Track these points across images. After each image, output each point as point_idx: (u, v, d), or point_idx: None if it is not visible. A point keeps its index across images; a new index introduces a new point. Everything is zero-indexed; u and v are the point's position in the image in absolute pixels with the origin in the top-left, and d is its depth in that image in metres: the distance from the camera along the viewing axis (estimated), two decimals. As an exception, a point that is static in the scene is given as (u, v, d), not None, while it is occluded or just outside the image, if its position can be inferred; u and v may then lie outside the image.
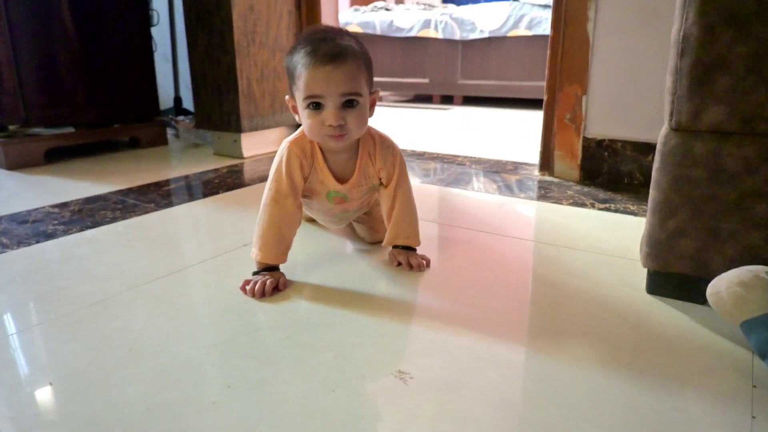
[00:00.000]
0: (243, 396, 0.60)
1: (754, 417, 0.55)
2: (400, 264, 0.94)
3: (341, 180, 0.91)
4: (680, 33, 0.71)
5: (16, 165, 1.73)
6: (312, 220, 1.12)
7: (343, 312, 0.79)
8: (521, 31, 3.27)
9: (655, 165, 0.78)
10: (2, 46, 1.66)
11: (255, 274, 0.87)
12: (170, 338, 0.72)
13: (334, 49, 0.78)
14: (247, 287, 0.84)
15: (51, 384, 0.62)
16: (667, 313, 0.78)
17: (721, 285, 0.65)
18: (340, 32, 0.83)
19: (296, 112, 0.86)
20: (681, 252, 0.78)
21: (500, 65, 3.41)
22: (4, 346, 0.70)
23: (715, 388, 0.61)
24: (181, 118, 2.27)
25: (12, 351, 0.69)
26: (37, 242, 1.08)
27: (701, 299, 0.74)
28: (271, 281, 0.84)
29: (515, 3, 3.40)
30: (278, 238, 0.87)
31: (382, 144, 0.92)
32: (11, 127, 1.77)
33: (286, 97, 0.88)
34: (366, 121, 0.85)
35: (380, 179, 0.94)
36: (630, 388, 0.61)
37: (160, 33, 2.18)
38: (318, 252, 1.04)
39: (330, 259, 1.01)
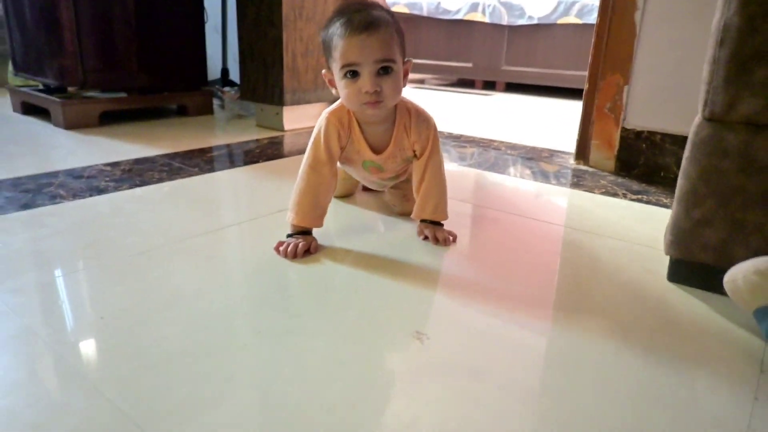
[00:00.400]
0: (270, 342, 0.65)
1: (756, 399, 0.57)
2: (426, 238, 0.97)
3: (377, 151, 0.95)
4: (721, 23, 0.71)
5: (73, 125, 1.83)
6: (345, 196, 1.17)
7: (369, 276, 0.83)
8: (571, 18, 3.21)
9: (686, 155, 0.78)
10: (65, 11, 1.75)
11: (289, 236, 0.92)
12: (206, 288, 0.78)
13: (368, 18, 0.82)
14: (281, 248, 0.89)
15: (102, 318, 0.69)
16: (686, 300, 0.79)
17: (738, 273, 0.66)
18: (372, 4, 0.87)
19: (333, 85, 0.90)
20: (705, 242, 0.78)
21: (547, 53, 3.35)
22: (59, 284, 0.78)
23: (723, 370, 0.62)
24: (227, 89, 2.34)
25: (67, 288, 0.76)
26: (90, 196, 1.16)
27: (721, 289, 0.75)
28: (304, 244, 0.89)
29: (567, -11, 3.33)
30: (314, 204, 0.91)
31: (418, 117, 0.94)
32: (70, 89, 1.87)
33: (323, 71, 0.92)
34: (400, 89, 0.88)
35: (414, 152, 0.96)
36: (639, 364, 0.63)
37: (211, 4, 2.25)
38: (350, 222, 1.08)
39: (361, 229, 1.05)
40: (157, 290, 0.77)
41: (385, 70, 0.84)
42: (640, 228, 1.08)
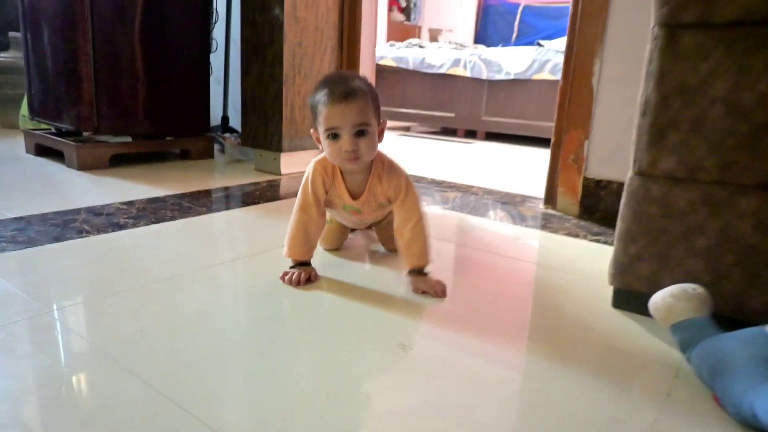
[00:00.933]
0: (283, 350, 0.79)
1: (668, 395, 0.73)
2: (425, 292, 1.02)
3: (354, 196, 1.09)
4: (643, 97, 0.91)
5: (86, 166, 1.98)
6: (335, 249, 1.27)
7: (362, 300, 0.98)
8: (545, 75, 3.49)
9: (622, 201, 0.96)
10: (85, 65, 1.93)
11: (291, 267, 1.07)
12: (226, 308, 0.92)
13: (346, 89, 0.96)
14: (286, 277, 1.04)
15: (141, 330, 0.83)
16: (625, 322, 0.95)
17: (658, 297, 0.83)
18: (351, 76, 1.03)
19: (319, 142, 1.04)
20: (639, 274, 0.95)
21: (522, 105, 3.61)
22: (100, 305, 0.91)
23: (645, 374, 0.78)
24: (227, 135, 2.52)
25: (109, 307, 0.90)
26: (113, 231, 1.31)
27: (652, 312, 0.92)
28: (305, 274, 1.04)
29: (541, 49, 3.63)
30: (304, 239, 1.06)
31: (390, 168, 1.08)
32: (85, 134, 2.03)
33: (311, 130, 1.05)
34: (375, 147, 1.02)
35: (388, 198, 1.08)
36: (573, 369, 0.78)
37: (215, 59, 2.45)
38: (345, 256, 1.24)
39: (356, 262, 1.20)
40: (184, 310, 0.91)
41: (361, 133, 0.97)
42: (595, 264, 1.25)
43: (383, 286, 1.07)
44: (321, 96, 0.98)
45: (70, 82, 1.96)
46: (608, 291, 1.04)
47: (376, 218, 1.20)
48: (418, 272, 1.05)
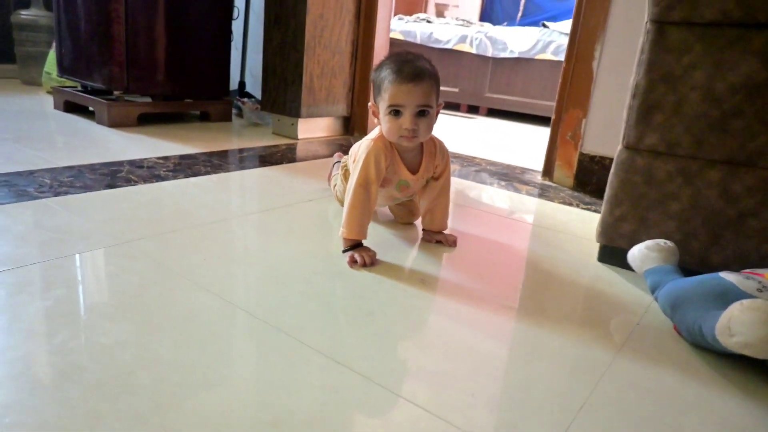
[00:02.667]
0: (325, 280, 0.96)
1: (638, 324, 0.90)
2: (438, 241, 1.19)
3: (412, 171, 1.14)
4: (634, 82, 1.06)
5: (116, 124, 2.12)
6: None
7: (398, 263, 1.15)
8: (548, 55, 3.61)
9: (611, 171, 1.12)
10: (119, 28, 2.05)
11: (346, 251, 1.05)
12: (271, 246, 1.09)
13: (415, 70, 1.00)
14: (355, 262, 1.02)
15: (204, 260, 0.99)
16: (607, 273, 1.13)
17: (635, 249, 1.00)
18: (418, 57, 1.05)
19: (376, 116, 1.08)
20: (621, 232, 1.12)
21: (525, 84, 3.74)
22: (163, 240, 1.07)
23: (621, 311, 0.96)
24: (245, 99, 2.65)
25: (169, 242, 1.06)
26: (157, 181, 1.46)
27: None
28: (371, 253, 1.04)
29: (545, 30, 3.74)
30: (365, 218, 1.06)
31: (441, 147, 1.17)
32: (116, 93, 2.15)
33: (369, 103, 1.11)
34: (432, 128, 1.07)
35: (434, 173, 1.18)
36: (562, 308, 0.96)
37: (235, 26, 2.56)
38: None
39: (382, 240, 1.37)
40: (235, 246, 1.07)
41: (422, 113, 1.02)
42: (585, 227, 1.42)
43: (403, 252, 1.23)
44: (388, 73, 1.01)
45: (103, 43, 2.07)
46: (595, 248, 1.21)
47: (413, 194, 1.24)
48: (437, 231, 1.22)
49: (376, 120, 1.09)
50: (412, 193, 1.23)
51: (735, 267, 0.98)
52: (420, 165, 1.14)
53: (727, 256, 1.03)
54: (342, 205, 1.32)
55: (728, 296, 0.80)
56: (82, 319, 0.76)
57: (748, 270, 0.90)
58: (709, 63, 0.97)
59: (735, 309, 0.72)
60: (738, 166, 0.99)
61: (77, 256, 0.95)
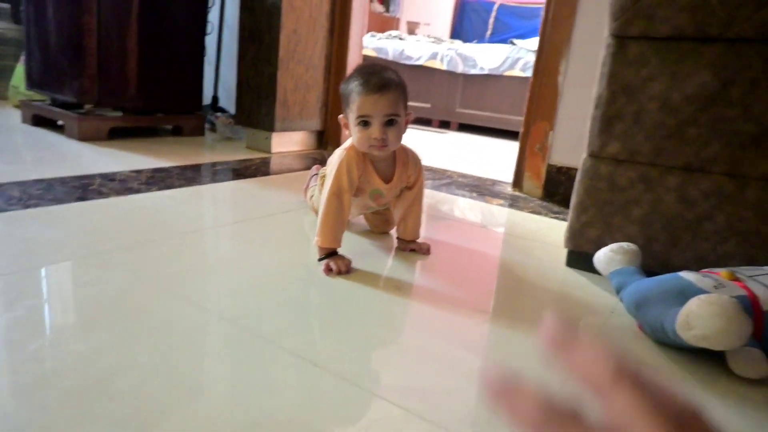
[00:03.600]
0: (302, 287, 0.97)
1: (604, 324, 0.94)
2: (412, 250, 1.21)
3: (385, 180, 1.15)
4: (596, 93, 1.11)
5: (86, 138, 2.09)
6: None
7: (374, 270, 1.17)
8: (516, 71, 3.72)
9: (577, 178, 1.17)
10: (91, 40, 2.04)
11: (322, 260, 1.06)
12: (248, 256, 1.09)
13: (381, 80, 1.03)
14: (330, 270, 1.03)
15: (181, 270, 0.99)
16: (575, 277, 1.17)
17: (601, 252, 1.05)
18: (384, 68, 1.08)
19: (347, 128, 1.10)
20: (588, 237, 1.17)
21: (495, 99, 3.84)
22: (140, 250, 1.07)
23: (588, 312, 0.99)
24: (219, 114, 2.65)
25: (147, 252, 1.06)
26: (130, 194, 1.45)
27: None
28: (346, 261, 1.05)
29: (513, 47, 3.85)
30: (339, 226, 1.07)
31: (414, 157, 1.19)
32: (86, 106, 2.13)
33: (340, 116, 1.12)
34: (401, 136, 1.08)
35: (408, 182, 1.20)
36: (531, 311, 0.99)
37: (208, 41, 2.57)
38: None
39: (357, 248, 1.38)
40: (213, 256, 1.08)
41: (390, 122, 1.04)
42: (553, 234, 1.47)
43: (379, 263, 1.25)
44: (356, 85, 1.04)
45: (75, 56, 2.06)
46: (563, 254, 1.25)
47: (388, 202, 1.24)
48: (411, 240, 1.24)
49: (347, 132, 1.11)
50: (386, 203, 1.25)
51: (694, 268, 1.02)
52: (393, 174, 1.16)
53: (686, 258, 1.08)
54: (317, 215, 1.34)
55: (687, 293, 0.84)
56: (57, 327, 0.75)
57: (706, 270, 0.95)
58: (666, 75, 1.03)
59: (693, 304, 0.76)
60: (694, 172, 1.05)
61: (50, 267, 0.94)
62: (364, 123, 1.04)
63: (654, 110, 1.05)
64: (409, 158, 1.18)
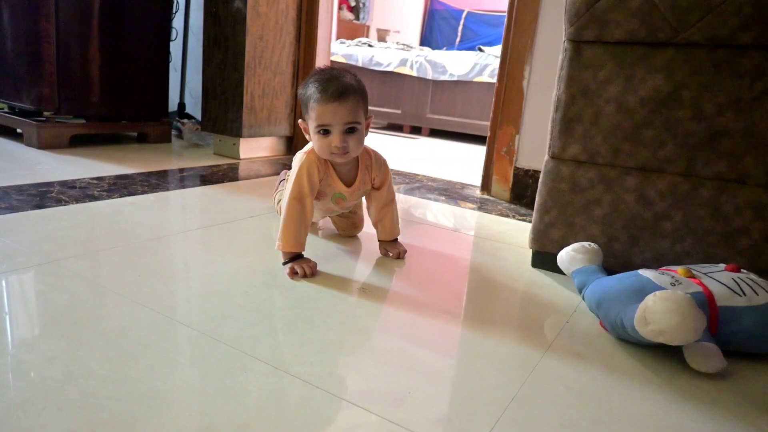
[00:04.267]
0: (264, 292, 0.96)
1: (567, 322, 0.95)
2: (390, 255, 1.21)
3: (347, 184, 1.14)
4: (555, 96, 1.13)
5: (46, 146, 2.04)
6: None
7: (341, 274, 1.16)
8: (485, 78, 3.76)
9: (540, 180, 1.19)
10: (49, 47, 1.99)
11: (287, 263, 1.05)
12: (211, 261, 1.08)
13: (339, 88, 1.00)
14: (294, 273, 1.02)
15: (139, 276, 0.97)
16: (540, 277, 1.18)
17: (563, 252, 1.06)
18: (342, 73, 1.05)
19: (307, 132, 1.09)
20: (551, 238, 1.18)
21: (464, 105, 3.88)
22: (97, 257, 1.04)
23: (552, 311, 1.00)
24: (185, 120, 2.61)
25: (104, 259, 1.03)
26: (90, 201, 1.41)
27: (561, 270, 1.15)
28: (311, 264, 1.05)
29: (482, 54, 3.90)
30: (300, 230, 1.06)
31: (377, 158, 1.18)
32: (46, 114, 2.08)
33: (300, 120, 1.11)
34: (363, 142, 1.08)
35: (373, 185, 1.20)
36: (498, 310, 1.00)
37: (173, 47, 2.53)
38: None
39: (323, 251, 1.37)
40: (173, 262, 1.06)
41: (351, 130, 1.03)
42: (520, 236, 1.48)
43: (348, 262, 1.25)
44: (313, 92, 1.01)
45: (32, 63, 2.00)
46: (528, 255, 1.27)
47: (352, 205, 1.25)
48: (391, 241, 1.24)
49: (307, 136, 1.10)
50: (350, 206, 1.25)
51: (654, 266, 1.05)
52: (356, 178, 1.15)
53: (646, 258, 1.10)
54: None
55: (645, 290, 0.86)
56: (6, 337, 0.73)
57: (664, 267, 0.97)
58: (621, 78, 1.05)
59: (649, 300, 0.78)
60: (651, 172, 1.07)
61: (1, 275, 0.91)
62: (325, 131, 1.03)
63: (611, 112, 1.08)
64: (373, 161, 1.17)
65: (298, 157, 1.10)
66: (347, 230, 1.35)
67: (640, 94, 1.05)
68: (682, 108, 1.02)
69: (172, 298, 0.90)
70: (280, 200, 1.34)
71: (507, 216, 1.72)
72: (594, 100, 1.09)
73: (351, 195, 1.16)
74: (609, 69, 1.06)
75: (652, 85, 1.03)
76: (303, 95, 1.06)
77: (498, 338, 0.87)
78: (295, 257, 1.06)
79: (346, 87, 1.02)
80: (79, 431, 0.56)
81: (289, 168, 1.35)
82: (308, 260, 1.06)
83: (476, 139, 3.90)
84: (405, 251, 1.24)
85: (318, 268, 1.07)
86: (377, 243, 1.27)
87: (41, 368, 0.66)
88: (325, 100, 1.00)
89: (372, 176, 1.18)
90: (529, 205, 1.87)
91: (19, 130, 2.16)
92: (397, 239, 1.26)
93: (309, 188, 1.06)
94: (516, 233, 1.52)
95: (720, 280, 0.89)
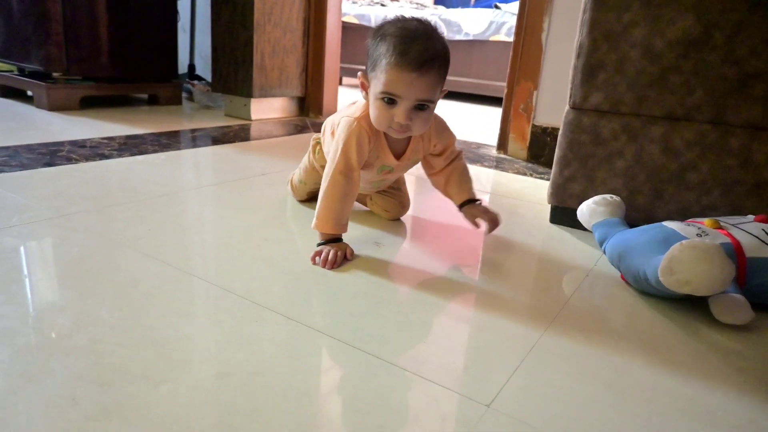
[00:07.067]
0: (276, 244, 0.94)
1: (587, 275, 0.92)
2: (479, 225, 1.05)
3: (396, 156, 0.97)
4: (577, 42, 1.08)
5: (56, 107, 2.02)
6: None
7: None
8: (501, 36, 3.65)
9: (560, 132, 1.14)
10: (55, 6, 1.95)
11: (320, 245, 0.90)
12: (223, 216, 1.06)
13: (424, 54, 0.80)
14: (318, 258, 0.87)
15: (149, 230, 0.95)
16: (559, 232, 1.15)
17: (584, 204, 1.02)
18: (429, 30, 0.84)
19: (365, 89, 0.89)
20: (571, 192, 1.14)
21: (480, 66, 3.78)
22: (106, 212, 1.03)
23: (572, 265, 0.97)
24: (196, 82, 2.57)
25: (114, 214, 1.02)
26: (101, 159, 1.40)
27: (581, 225, 1.11)
28: (342, 252, 0.88)
29: (498, 11, 3.78)
30: (344, 209, 0.90)
31: (437, 123, 1.00)
32: (54, 75, 2.05)
33: (359, 73, 0.91)
34: (430, 121, 0.90)
35: (433, 152, 1.04)
36: (518, 266, 0.97)
37: (182, 6, 2.48)
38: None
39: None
40: (184, 217, 1.04)
41: (421, 107, 0.85)
42: (537, 194, 1.44)
43: (371, 238, 1.22)
44: (389, 51, 0.81)
45: (39, 23, 1.97)
46: (546, 211, 1.23)
47: (396, 179, 1.12)
48: (472, 202, 1.06)
49: (363, 94, 0.91)
50: (396, 178, 1.10)
51: (678, 219, 1.01)
52: (407, 148, 0.98)
53: (670, 211, 1.06)
54: (295, 195, 1.19)
55: (670, 241, 0.82)
56: (15, 286, 0.72)
57: (690, 219, 0.93)
58: (648, 20, 0.99)
59: (675, 249, 0.74)
60: (677, 120, 1.02)
61: (11, 228, 0.90)
62: (390, 101, 0.84)
63: (636, 58, 1.02)
64: (434, 128, 0.99)
65: (345, 122, 0.91)
66: (394, 211, 1.14)
67: (667, 36, 0.99)
68: (713, 51, 0.96)
69: (184, 251, 0.88)
70: (300, 179, 1.17)
71: (524, 174, 1.68)
72: (618, 45, 1.03)
73: (398, 167, 1.00)
74: (635, 10, 1.00)
75: (681, 26, 0.97)
76: (373, 50, 0.85)
77: (517, 290, 0.85)
78: (332, 240, 0.91)
79: (433, 55, 0.82)
80: (87, 376, 0.55)
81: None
82: (346, 246, 0.91)
83: (492, 100, 3.81)
84: (497, 216, 1.04)
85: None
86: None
87: (50, 316, 0.65)
88: (401, 67, 0.80)
89: (431, 144, 1.01)
90: (547, 164, 1.82)
91: (29, 93, 2.15)
92: (480, 200, 1.06)
93: (358, 160, 0.90)
94: (534, 190, 1.48)
95: (749, 230, 0.85)
